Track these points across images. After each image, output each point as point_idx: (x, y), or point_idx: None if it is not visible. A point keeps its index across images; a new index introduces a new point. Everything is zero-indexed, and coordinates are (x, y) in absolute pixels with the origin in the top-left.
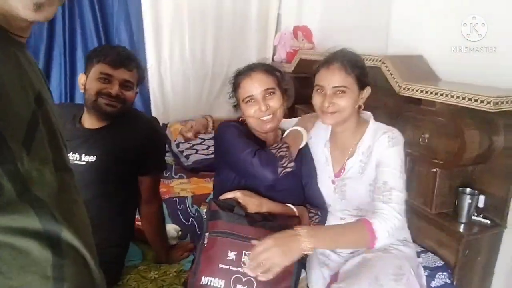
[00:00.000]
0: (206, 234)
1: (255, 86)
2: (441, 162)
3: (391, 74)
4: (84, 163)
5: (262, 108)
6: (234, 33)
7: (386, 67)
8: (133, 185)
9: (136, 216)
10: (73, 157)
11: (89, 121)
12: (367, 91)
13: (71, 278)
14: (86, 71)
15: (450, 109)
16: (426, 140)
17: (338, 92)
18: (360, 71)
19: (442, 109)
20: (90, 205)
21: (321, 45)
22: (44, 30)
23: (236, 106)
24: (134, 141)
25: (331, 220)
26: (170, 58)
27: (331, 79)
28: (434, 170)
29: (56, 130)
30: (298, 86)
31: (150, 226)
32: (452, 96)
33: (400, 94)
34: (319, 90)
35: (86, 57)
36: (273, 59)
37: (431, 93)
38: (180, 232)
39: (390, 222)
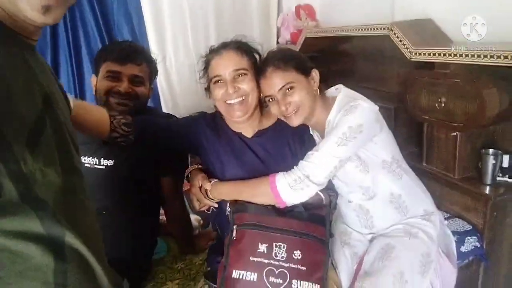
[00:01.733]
0: (234, 227)
1: (224, 65)
2: (460, 125)
3: (400, 41)
4: (103, 167)
5: (229, 90)
6: (236, 20)
7: (394, 34)
8: (155, 185)
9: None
10: (92, 161)
11: None
12: (316, 74)
13: (75, 285)
14: (96, 72)
15: (465, 69)
16: (443, 105)
17: (287, 91)
18: (296, 61)
19: (457, 70)
20: (112, 209)
21: (325, 21)
22: (47, 34)
23: (207, 89)
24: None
25: (342, 204)
26: (174, 51)
27: (273, 85)
28: (454, 134)
29: (65, 131)
30: None
31: (174, 223)
32: (467, 55)
33: (412, 60)
34: (270, 100)
35: (94, 57)
36: (277, 42)
37: (444, 55)
38: (201, 221)
39: (294, 175)
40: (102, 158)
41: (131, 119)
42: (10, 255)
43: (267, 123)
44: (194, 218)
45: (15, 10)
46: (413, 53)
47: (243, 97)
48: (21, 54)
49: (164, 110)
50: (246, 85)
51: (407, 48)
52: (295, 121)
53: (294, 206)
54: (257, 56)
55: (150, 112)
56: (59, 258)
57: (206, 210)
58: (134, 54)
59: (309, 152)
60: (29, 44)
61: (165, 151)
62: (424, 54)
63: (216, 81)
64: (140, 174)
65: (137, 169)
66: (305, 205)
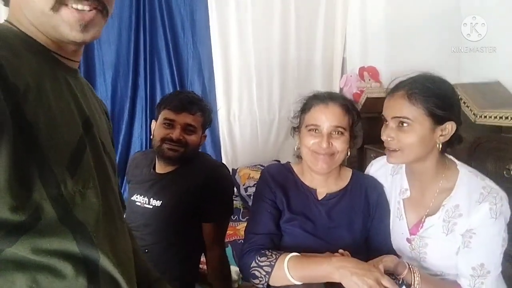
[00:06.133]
0: None
1: (326, 117)
2: None
3: (464, 103)
4: (151, 207)
5: (323, 144)
6: (299, 79)
7: (457, 95)
8: (198, 230)
9: (202, 259)
10: (143, 200)
11: (159, 166)
12: (450, 128)
13: None
14: (156, 118)
15: None
16: (511, 172)
17: (400, 125)
18: (437, 102)
19: None
20: (154, 249)
21: (389, 83)
22: (129, 86)
23: (295, 129)
24: (194, 187)
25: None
26: (239, 106)
27: (392, 109)
28: None
29: (103, 154)
30: (366, 126)
31: (212, 271)
32: None
33: (476, 123)
34: (384, 122)
35: (156, 104)
36: None
37: None
38: (241, 275)
39: None
40: (152, 198)
41: None
42: (47, 275)
43: (340, 184)
44: (234, 271)
45: (57, 34)
46: (477, 116)
47: (333, 154)
48: (64, 78)
49: (224, 159)
50: (340, 144)
51: (471, 111)
52: (391, 159)
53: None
54: (355, 116)
55: (201, 157)
56: (92, 281)
57: None
58: (190, 104)
59: (480, 277)
60: (71, 67)
61: (209, 198)
62: (490, 117)
63: (311, 129)
64: (183, 217)
65: (181, 212)
66: None
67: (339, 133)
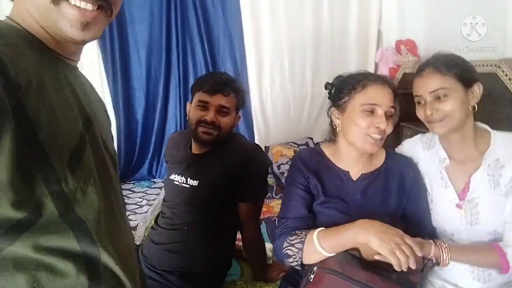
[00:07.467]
0: (315, 268)
1: (384, 98)
2: None
3: (510, 79)
4: (188, 186)
5: (381, 126)
6: (333, 53)
7: (502, 71)
8: (234, 208)
9: (238, 236)
10: (180, 179)
11: (195, 146)
12: (479, 88)
13: None
14: (191, 100)
15: None
16: None
17: (438, 97)
18: (459, 68)
19: None
20: (192, 225)
21: (428, 57)
22: (162, 64)
23: (338, 107)
24: (230, 168)
25: None
26: (271, 83)
27: (426, 85)
28: None
29: (103, 151)
30: (403, 103)
31: (248, 248)
32: None
33: None
34: (419, 102)
35: (191, 86)
36: None
37: None
38: (276, 258)
39: None
40: (189, 178)
41: None
42: (47, 273)
43: (375, 164)
44: (269, 248)
45: (56, 30)
46: None
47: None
48: (64, 75)
49: (257, 138)
50: (390, 127)
51: None
52: (439, 129)
53: (379, 262)
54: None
55: (236, 138)
56: (93, 278)
57: None
58: (223, 86)
59: None
60: (71, 65)
61: (244, 180)
62: None
63: (368, 109)
64: (220, 196)
65: (217, 192)
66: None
67: (390, 115)
